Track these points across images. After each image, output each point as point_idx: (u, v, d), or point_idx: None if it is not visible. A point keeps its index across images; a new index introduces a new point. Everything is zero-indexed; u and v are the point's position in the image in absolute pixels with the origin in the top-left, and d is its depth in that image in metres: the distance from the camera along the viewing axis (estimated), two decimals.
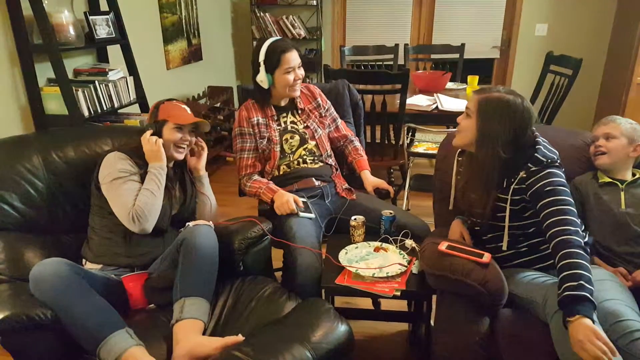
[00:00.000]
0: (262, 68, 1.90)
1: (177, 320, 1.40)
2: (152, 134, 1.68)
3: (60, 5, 2.43)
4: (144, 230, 1.58)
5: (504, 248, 1.52)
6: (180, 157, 1.74)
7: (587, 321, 1.17)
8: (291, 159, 2.00)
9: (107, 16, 2.69)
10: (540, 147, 1.46)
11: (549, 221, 1.36)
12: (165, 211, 1.66)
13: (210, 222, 1.66)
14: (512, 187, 1.46)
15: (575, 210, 1.37)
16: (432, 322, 1.67)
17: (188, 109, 1.77)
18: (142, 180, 1.64)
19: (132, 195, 1.58)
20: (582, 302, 1.19)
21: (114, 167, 1.60)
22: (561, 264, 1.28)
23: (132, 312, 1.52)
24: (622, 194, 1.62)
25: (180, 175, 1.80)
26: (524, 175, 1.44)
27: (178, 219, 1.74)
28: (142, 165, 1.66)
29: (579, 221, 1.35)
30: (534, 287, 1.42)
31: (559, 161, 1.47)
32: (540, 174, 1.42)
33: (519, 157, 1.46)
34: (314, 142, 2.04)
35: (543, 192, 1.39)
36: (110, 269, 1.58)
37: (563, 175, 1.44)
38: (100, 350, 1.28)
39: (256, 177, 2.00)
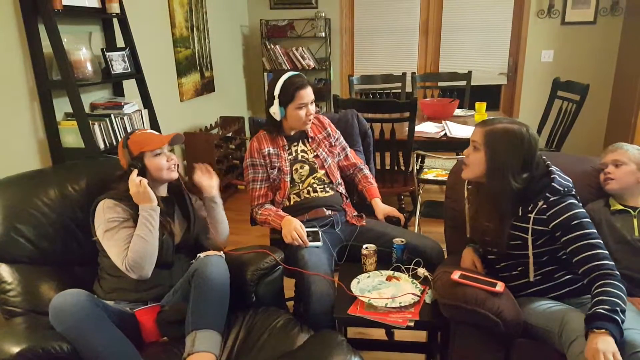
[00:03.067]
0: (276, 101, 1.94)
1: (189, 353, 1.39)
2: (138, 174, 1.61)
3: (79, 43, 2.52)
4: (142, 277, 1.55)
5: (531, 279, 1.51)
6: (175, 175, 1.70)
7: (612, 340, 1.18)
8: (300, 187, 2.02)
9: (123, 52, 2.79)
10: (556, 176, 1.47)
11: (582, 256, 1.37)
12: (168, 245, 1.65)
13: (222, 252, 1.67)
14: (532, 216, 1.46)
15: (603, 242, 1.38)
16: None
17: (154, 132, 1.73)
18: (135, 224, 1.59)
19: (123, 245, 1.55)
20: (613, 322, 1.20)
21: (102, 217, 1.58)
22: (599, 290, 1.29)
23: (145, 345, 1.52)
24: (635, 221, 1.61)
25: (178, 200, 1.76)
26: (545, 206, 1.45)
27: (185, 245, 1.73)
28: (134, 207, 1.61)
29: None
30: (549, 316, 1.40)
31: (574, 189, 1.47)
32: (561, 205, 1.43)
33: (533, 186, 1.47)
34: (323, 171, 2.07)
35: (570, 225, 1.40)
36: (124, 303, 1.58)
37: (581, 204, 1.45)
38: None
39: (267, 205, 2.02)
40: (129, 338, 1.39)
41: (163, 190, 1.73)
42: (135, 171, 1.62)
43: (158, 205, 1.62)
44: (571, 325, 1.29)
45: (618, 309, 1.23)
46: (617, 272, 1.33)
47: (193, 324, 1.45)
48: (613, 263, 1.35)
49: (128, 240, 1.56)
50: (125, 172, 1.66)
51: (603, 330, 1.19)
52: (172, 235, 1.68)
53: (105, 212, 1.59)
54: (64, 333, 1.31)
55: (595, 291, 1.30)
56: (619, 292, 1.27)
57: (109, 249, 1.57)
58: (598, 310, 1.23)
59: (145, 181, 1.60)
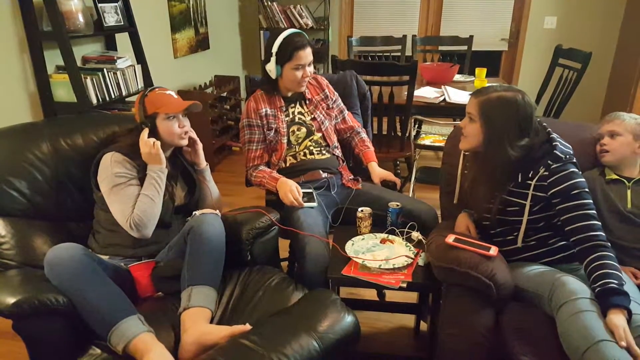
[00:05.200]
0: (273, 58, 1.89)
1: (185, 308, 1.41)
2: (148, 133, 1.60)
3: None
4: (143, 236, 1.55)
5: (519, 244, 1.53)
6: (185, 142, 1.69)
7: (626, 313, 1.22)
8: (297, 150, 2.01)
9: (116, 4, 2.69)
10: (557, 142, 1.47)
11: (576, 225, 1.38)
12: (168, 207, 1.64)
13: (217, 210, 1.67)
14: (533, 183, 1.46)
15: (597, 212, 1.41)
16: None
17: (174, 94, 1.69)
18: (141, 182, 1.58)
19: (130, 203, 1.53)
20: (628, 296, 1.24)
21: (110, 171, 1.55)
22: (599, 262, 1.31)
23: (140, 300, 1.54)
24: (629, 192, 1.62)
25: (181, 165, 1.76)
26: (546, 173, 1.45)
27: (185, 208, 1.73)
28: (141, 164, 1.60)
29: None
30: (540, 280, 1.42)
31: (574, 157, 1.47)
32: (563, 173, 1.43)
33: (533, 153, 1.47)
34: (320, 134, 2.04)
35: (569, 194, 1.41)
36: (118, 258, 1.59)
37: (581, 172, 1.46)
38: (111, 335, 1.30)
39: (262, 167, 2.00)
40: (125, 293, 1.40)
41: (168, 153, 1.71)
42: (146, 130, 1.60)
43: (166, 167, 1.61)
44: (561, 290, 1.31)
45: (623, 282, 1.26)
46: (609, 244, 1.34)
47: (189, 280, 1.46)
48: (605, 236, 1.36)
49: (134, 198, 1.55)
50: (136, 127, 1.64)
51: (622, 309, 1.21)
52: (174, 198, 1.68)
53: (114, 166, 1.56)
54: (60, 286, 1.31)
55: (595, 263, 1.31)
56: (617, 266, 1.30)
57: (113, 204, 1.55)
58: (611, 285, 1.24)
59: (158, 143, 1.58)
